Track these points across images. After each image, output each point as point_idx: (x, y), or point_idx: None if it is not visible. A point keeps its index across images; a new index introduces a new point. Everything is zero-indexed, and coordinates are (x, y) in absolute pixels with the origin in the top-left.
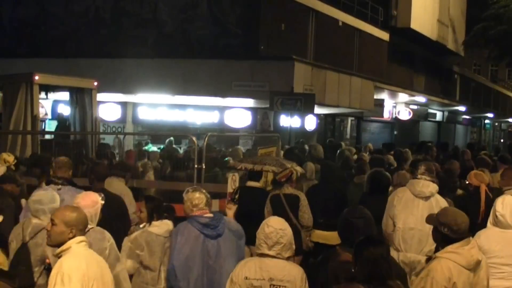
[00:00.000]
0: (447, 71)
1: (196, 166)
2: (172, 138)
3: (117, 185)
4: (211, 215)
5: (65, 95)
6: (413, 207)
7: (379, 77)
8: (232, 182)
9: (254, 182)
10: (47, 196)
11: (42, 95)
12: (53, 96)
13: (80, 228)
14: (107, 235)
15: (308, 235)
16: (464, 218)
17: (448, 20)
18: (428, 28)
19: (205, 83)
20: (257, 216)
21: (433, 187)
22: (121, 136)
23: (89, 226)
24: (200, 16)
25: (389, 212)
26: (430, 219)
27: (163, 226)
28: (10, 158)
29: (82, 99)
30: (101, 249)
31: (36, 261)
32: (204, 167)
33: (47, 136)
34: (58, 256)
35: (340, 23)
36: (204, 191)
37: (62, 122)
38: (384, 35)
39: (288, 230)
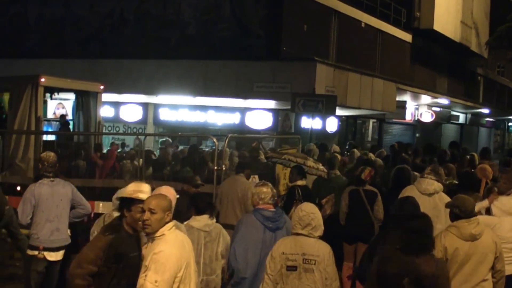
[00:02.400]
0: (471, 73)
1: (215, 167)
2: (165, 138)
3: (242, 181)
4: (274, 209)
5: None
6: (419, 204)
7: (401, 79)
8: (253, 184)
9: (302, 181)
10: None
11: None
12: (58, 98)
13: (171, 211)
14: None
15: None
16: (470, 202)
17: (472, 22)
18: (451, 30)
19: (226, 84)
20: None
21: (437, 186)
22: (142, 137)
23: None
24: (222, 18)
25: None
26: (447, 204)
27: (203, 220)
28: None
29: (87, 102)
30: None
31: None
32: (224, 168)
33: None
34: (152, 239)
35: (363, 24)
36: (271, 186)
37: (64, 124)
38: (407, 37)
39: (318, 214)
